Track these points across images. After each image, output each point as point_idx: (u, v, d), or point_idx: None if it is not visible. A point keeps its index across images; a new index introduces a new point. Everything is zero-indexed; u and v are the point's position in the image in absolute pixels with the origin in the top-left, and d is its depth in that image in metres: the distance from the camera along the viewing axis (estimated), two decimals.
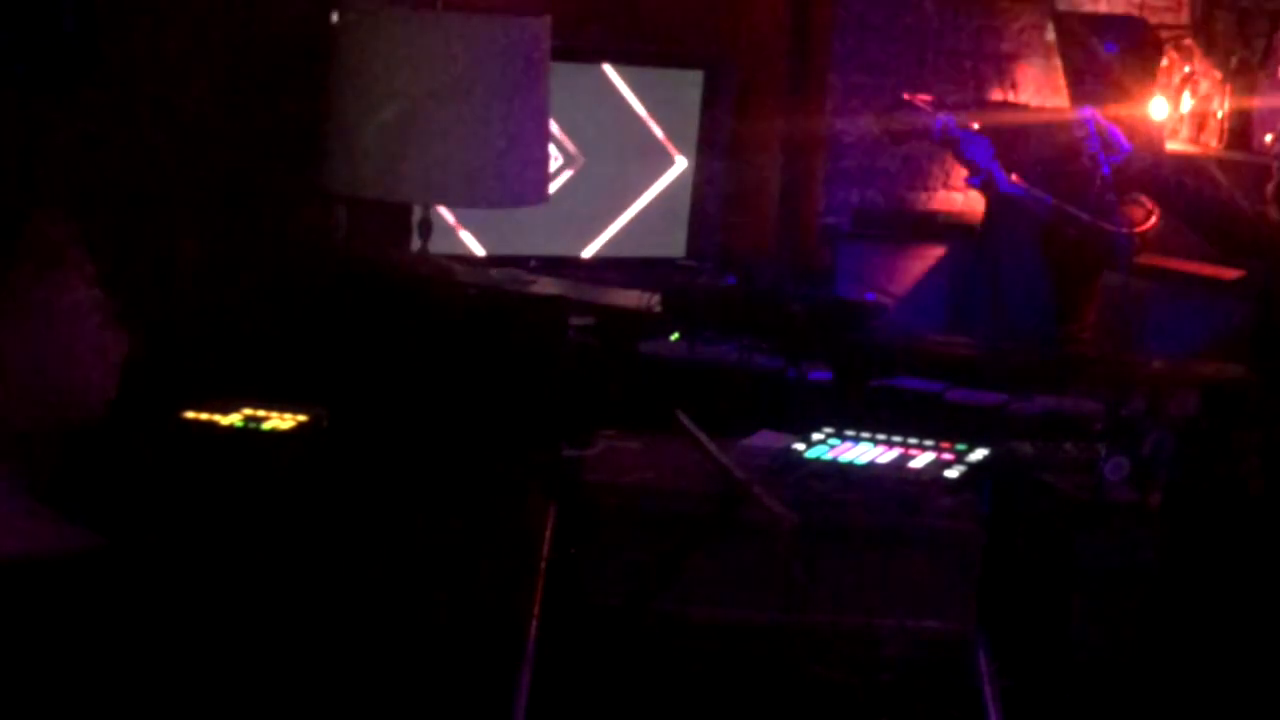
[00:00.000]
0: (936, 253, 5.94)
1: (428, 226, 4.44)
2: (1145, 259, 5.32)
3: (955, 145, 4.84)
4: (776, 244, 5.68)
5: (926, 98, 4.96)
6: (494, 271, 4.49)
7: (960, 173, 5.32)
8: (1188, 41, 6.17)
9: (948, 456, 3.32)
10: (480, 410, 3.73)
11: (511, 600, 3.04)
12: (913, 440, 3.38)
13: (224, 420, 3.47)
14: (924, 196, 6.26)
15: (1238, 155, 5.83)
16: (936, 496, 3.15)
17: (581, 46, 5.19)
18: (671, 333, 4.06)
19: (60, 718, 2.69)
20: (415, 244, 4.46)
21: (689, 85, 5.55)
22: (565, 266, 5.12)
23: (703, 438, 3.03)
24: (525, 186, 4.42)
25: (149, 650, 2.87)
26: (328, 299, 4.30)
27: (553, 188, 4.79)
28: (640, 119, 5.49)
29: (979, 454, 3.34)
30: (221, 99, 4.62)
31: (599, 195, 5.44)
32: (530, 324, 3.99)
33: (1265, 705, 3.36)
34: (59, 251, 2.70)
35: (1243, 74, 6.00)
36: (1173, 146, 5.82)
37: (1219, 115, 6.02)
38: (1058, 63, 5.95)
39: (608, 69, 5.42)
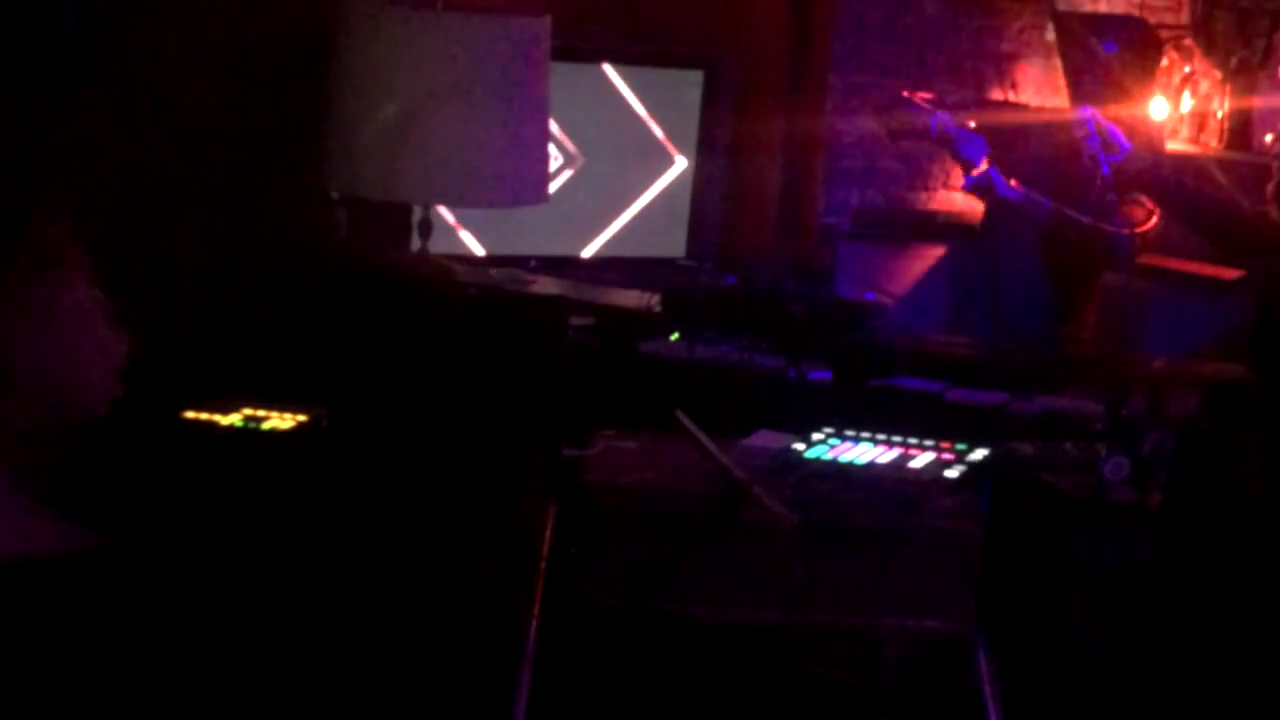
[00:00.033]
0: (936, 253, 5.95)
1: (428, 226, 4.44)
2: (1145, 259, 5.33)
3: (951, 143, 4.84)
4: (776, 244, 5.68)
5: (927, 96, 4.96)
6: (494, 271, 4.49)
7: (961, 173, 5.32)
8: (1188, 41, 6.18)
9: (948, 456, 3.32)
10: (480, 410, 3.73)
11: (511, 600, 3.04)
12: (913, 440, 3.38)
13: (224, 420, 3.47)
14: (924, 196, 6.27)
15: (1238, 155, 5.83)
16: (936, 496, 3.14)
17: (581, 46, 5.19)
18: (671, 333, 4.06)
19: (60, 718, 2.69)
20: (415, 244, 4.46)
21: (689, 85, 5.55)
22: (565, 266, 5.12)
23: (703, 438, 3.03)
24: (525, 186, 4.42)
25: (149, 650, 2.87)
26: (328, 299, 4.30)
27: (553, 188, 4.79)
28: (640, 119, 5.49)
29: (979, 454, 3.34)
30: (221, 99, 4.62)
31: (599, 195, 5.44)
32: (530, 324, 3.99)
33: (1265, 705, 3.36)
34: (59, 251, 2.70)
35: (1243, 74, 6.00)
36: (1173, 146, 5.82)
37: (1219, 115, 6.02)
38: (1058, 63, 5.96)
39: (607, 69, 5.41)
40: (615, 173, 5.46)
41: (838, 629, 3.02)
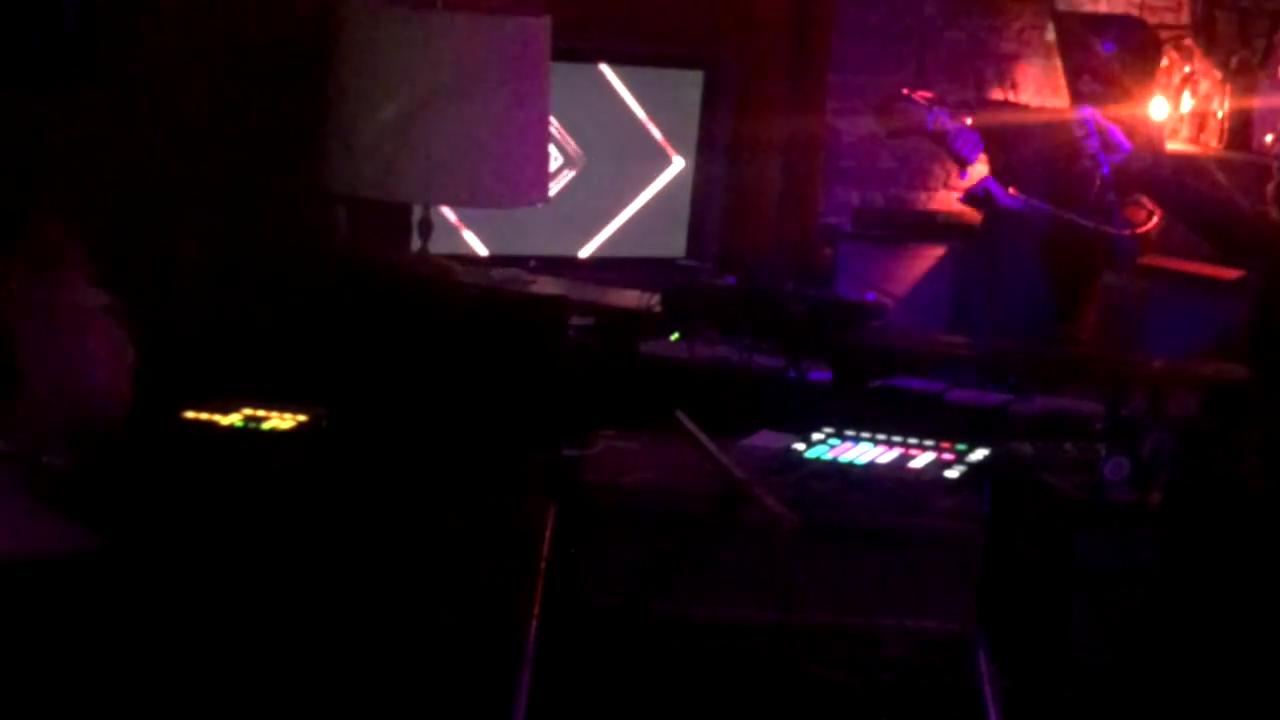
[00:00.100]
0: (936, 253, 5.95)
1: (428, 226, 4.44)
2: (1145, 259, 5.33)
3: (944, 138, 4.84)
4: (776, 244, 5.68)
5: (927, 95, 4.96)
6: (494, 271, 4.49)
7: (966, 180, 5.33)
8: (1188, 41, 6.18)
9: (948, 456, 3.31)
10: (480, 410, 3.73)
11: (511, 600, 3.04)
12: (913, 440, 3.38)
13: (224, 420, 3.47)
14: (924, 196, 6.27)
15: (1238, 155, 5.83)
16: (936, 496, 3.14)
17: (581, 46, 5.19)
18: (671, 333, 4.06)
19: (60, 718, 2.69)
20: (415, 244, 4.46)
21: (688, 85, 5.55)
22: (565, 266, 5.12)
23: (703, 438, 3.03)
24: (525, 186, 4.42)
25: (149, 650, 2.87)
26: (328, 299, 4.30)
27: (555, 188, 4.79)
28: (638, 119, 5.49)
29: (979, 454, 3.33)
30: (221, 99, 4.62)
31: (598, 195, 5.44)
32: (530, 324, 3.99)
33: (1266, 705, 3.35)
34: (59, 251, 2.70)
35: (1243, 74, 6.00)
36: (1173, 146, 5.82)
37: (1219, 115, 6.02)
38: (1058, 63, 5.96)
39: (605, 69, 5.42)
40: (613, 173, 5.46)
41: (838, 629, 3.02)
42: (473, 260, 5.06)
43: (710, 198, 5.60)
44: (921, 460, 3.30)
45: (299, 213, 4.68)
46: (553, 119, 4.63)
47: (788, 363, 3.88)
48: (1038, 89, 6.29)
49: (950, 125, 4.81)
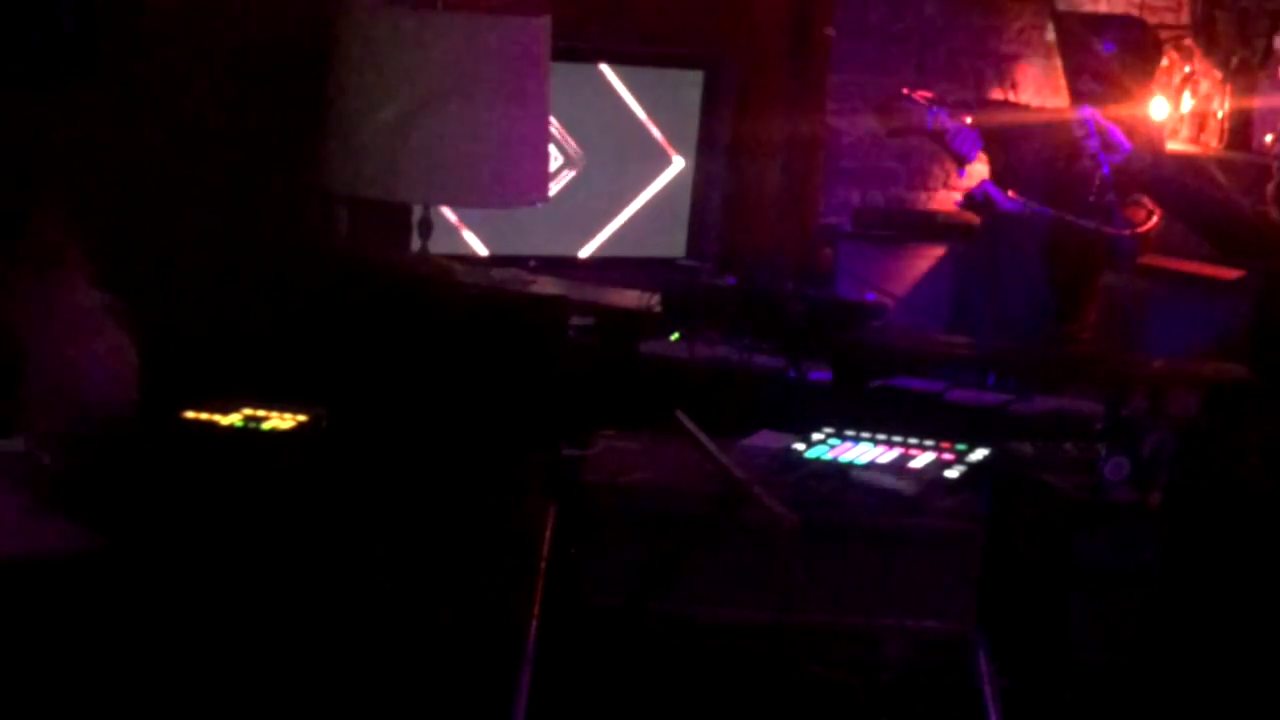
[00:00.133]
0: (936, 253, 5.95)
1: (428, 226, 4.44)
2: (1145, 259, 5.33)
3: (943, 137, 4.84)
4: (776, 244, 5.68)
5: (927, 94, 4.96)
6: (494, 271, 4.49)
7: (965, 178, 5.33)
8: (1188, 41, 6.18)
9: (948, 456, 3.31)
10: (480, 410, 3.73)
11: (511, 600, 3.04)
12: (913, 440, 3.38)
13: (224, 420, 3.47)
14: (924, 196, 6.27)
15: (1238, 155, 5.83)
16: (936, 496, 3.14)
17: (581, 46, 5.19)
18: (671, 333, 4.06)
19: (60, 717, 2.69)
20: (415, 244, 4.46)
21: (689, 85, 5.55)
22: (565, 266, 5.12)
23: (703, 438, 3.03)
24: (525, 186, 4.42)
25: (149, 650, 2.87)
26: (328, 299, 4.29)
27: (555, 188, 4.79)
28: (638, 119, 5.49)
29: (979, 454, 3.33)
30: (221, 99, 4.61)
31: (598, 195, 5.44)
32: (530, 324, 3.99)
33: (1266, 705, 3.35)
34: (59, 251, 2.71)
35: (1243, 74, 6.00)
36: (1173, 146, 5.82)
37: (1219, 115, 6.02)
38: (1058, 63, 5.95)
39: (604, 68, 5.42)
40: (613, 173, 5.46)
41: (838, 629, 3.02)
42: (473, 260, 5.06)
43: (710, 198, 5.60)
44: (921, 460, 3.30)
45: (299, 213, 4.68)
46: (553, 119, 4.63)
47: (788, 363, 3.88)
48: (1038, 89, 6.29)
49: (950, 124, 4.81)
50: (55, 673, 2.72)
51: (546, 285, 4.33)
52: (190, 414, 3.48)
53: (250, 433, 3.46)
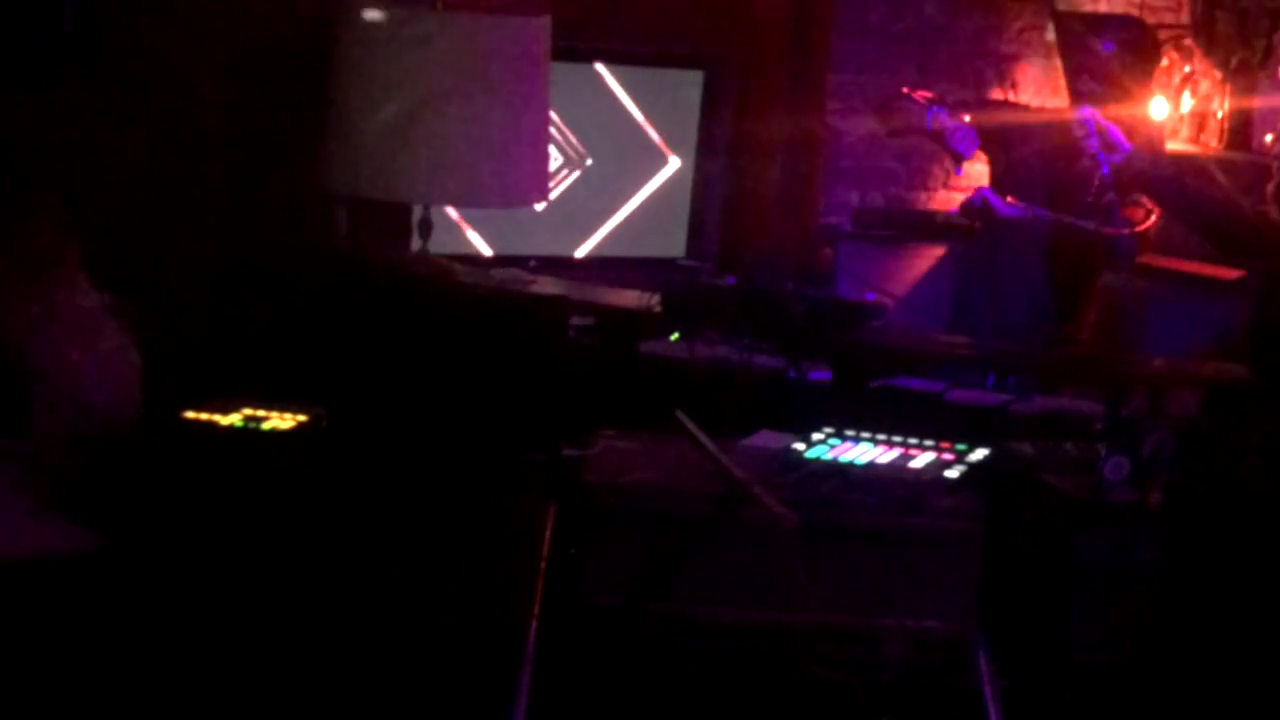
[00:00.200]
0: (936, 253, 5.94)
1: (428, 226, 4.44)
2: (1145, 259, 5.32)
3: (942, 135, 4.84)
4: (776, 244, 5.68)
5: (927, 94, 4.96)
6: (494, 271, 4.49)
7: (962, 176, 5.33)
8: (1188, 41, 6.17)
9: (948, 456, 3.31)
10: (480, 410, 3.73)
11: (511, 600, 3.04)
12: (913, 440, 3.37)
13: (224, 420, 3.47)
14: (924, 196, 6.26)
15: (1238, 155, 5.83)
16: (936, 496, 3.14)
17: (581, 46, 5.19)
18: (671, 333, 4.06)
19: (60, 717, 2.69)
20: (415, 244, 4.46)
21: (688, 85, 5.55)
22: (565, 266, 5.13)
23: (703, 438, 3.03)
24: (526, 186, 4.42)
25: (149, 650, 2.87)
26: (328, 299, 4.29)
27: (559, 189, 4.79)
28: (634, 119, 5.49)
29: (979, 454, 3.33)
30: (222, 99, 4.62)
31: (598, 195, 5.45)
32: (530, 324, 3.99)
33: (1266, 705, 3.35)
34: (59, 251, 2.71)
35: (1243, 74, 6.00)
36: (1173, 146, 5.82)
37: (1219, 115, 6.02)
38: (1058, 63, 5.96)
39: (601, 68, 5.42)
40: (614, 173, 5.47)
41: (838, 629, 3.02)
42: (473, 260, 5.06)
43: (710, 198, 5.60)
44: (921, 460, 3.29)
45: (299, 213, 4.68)
46: (555, 119, 4.63)
47: (788, 363, 3.88)
48: (1038, 89, 6.29)
49: (948, 123, 4.81)
50: (56, 673, 2.72)
51: (547, 285, 4.33)
52: (190, 414, 3.48)
53: (250, 433, 3.46)
